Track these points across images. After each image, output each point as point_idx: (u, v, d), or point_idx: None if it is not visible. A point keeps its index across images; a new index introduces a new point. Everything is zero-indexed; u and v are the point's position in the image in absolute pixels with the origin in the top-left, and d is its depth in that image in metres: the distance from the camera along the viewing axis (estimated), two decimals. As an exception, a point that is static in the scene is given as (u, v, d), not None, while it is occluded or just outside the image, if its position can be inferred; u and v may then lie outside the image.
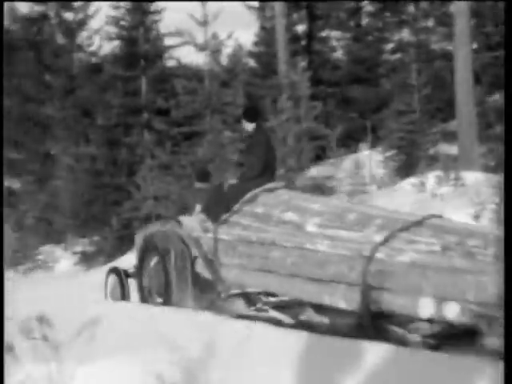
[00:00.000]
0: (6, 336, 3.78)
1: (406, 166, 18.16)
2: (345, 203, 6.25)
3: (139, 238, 7.13)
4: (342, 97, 25.78)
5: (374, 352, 4.07)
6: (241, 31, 25.31)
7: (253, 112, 6.86)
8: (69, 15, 23.93)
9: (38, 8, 24.23)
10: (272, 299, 6.02)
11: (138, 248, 7.10)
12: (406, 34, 24.32)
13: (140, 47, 22.10)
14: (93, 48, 24.40)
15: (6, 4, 24.16)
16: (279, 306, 5.90)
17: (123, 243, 15.59)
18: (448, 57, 19.70)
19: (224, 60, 21.53)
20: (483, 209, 10.57)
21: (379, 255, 4.75)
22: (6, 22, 24.12)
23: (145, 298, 6.81)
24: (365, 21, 28.22)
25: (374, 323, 4.74)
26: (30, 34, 24.61)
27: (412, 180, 15.34)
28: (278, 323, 5.42)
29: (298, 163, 16.19)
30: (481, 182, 13.23)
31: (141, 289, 6.91)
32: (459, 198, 12.45)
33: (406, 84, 20.09)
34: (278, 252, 5.47)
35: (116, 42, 23.24)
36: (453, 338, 4.46)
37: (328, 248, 5.12)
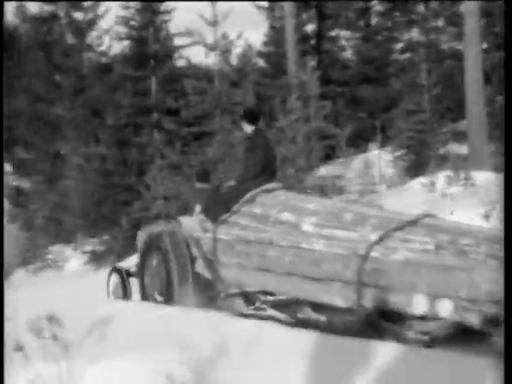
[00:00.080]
0: (16, 335, 3.80)
1: (416, 166, 18.13)
2: (341, 203, 6.31)
3: (141, 238, 7.21)
4: (352, 96, 25.77)
5: (383, 351, 4.07)
6: (250, 31, 25.38)
7: (252, 114, 6.89)
8: (79, 15, 24.02)
9: (47, 8, 24.32)
10: (270, 298, 6.07)
11: (140, 247, 7.17)
12: (415, 34, 24.31)
13: (150, 47, 22.15)
14: (103, 48, 24.47)
15: (15, 4, 24.31)
16: (277, 305, 5.95)
17: (133, 243, 15.60)
18: (458, 56, 19.68)
19: (234, 60, 21.58)
20: (493, 208, 10.52)
21: (374, 254, 4.80)
22: (16, 22, 24.25)
23: (146, 297, 6.87)
24: (374, 20, 28.19)
25: (370, 321, 4.77)
26: (40, 33, 24.71)
27: (422, 180, 15.31)
28: (276, 322, 5.44)
29: (308, 163, 16.15)
30: (491, 182, 13.18)
31: (142, 288, 6.98)
32: (469, 198, 12.39)
33: (415, 84, 20.05)
34: (275, 251, 5.54)
35: (126, 42, 23.32)
36: (449, 336, 4.49)
37: (324, 247, 5.18)
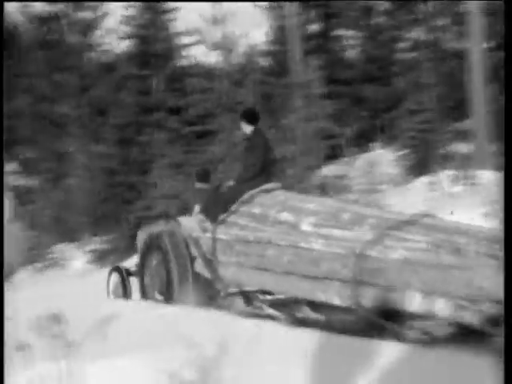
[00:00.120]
0: (19, 334, 3.81)
1: (419, 165, 18.08)
2: (339, 203, 6.32)
3: (141, 238, 7.24)
4: (356, 95, 25.71)
5: (385, 351, 4.08)
6: (253, 30, 25.33)
7: (252, 114, 6.90)
8: (81, 14, 24.02)
9: (50, 7, 24.33)
10: (269, 297, 6.09)
11: (140, 247, 7.20)
12: (419, 33, 24.25)
13: (153, 46, 22.14)
14: (106, 47, 24.48)
15: (21, 3, 24.32)
16: (276, 304, 5.98)
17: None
18: (462, 55, 19.60)
19: (236, 59, 21.55)
20: (496, 208, 10.51)
21: (372, 253, 4.82)
22: (21, 21, 24.26)
23: (146, 296, 6.90)
24: (378, 19, 28.10)
25: (368, 319, 4.79)
26: (42, 33, 24.71)
27: (425, 179, 15.29)
28: (274, 321, 5.47)
29: (311, 162, 16.16)
30: (494, 181, 13.16)
31: (142, 287, 7.01)
32: (472, 197, 12.38)
33: (419, 83, 20.02)
34: (273, 250, 5.55)
35: (129, 41, 23.32)
36: (448, 335, 4.51)
37: (322, 246, 5.19)
